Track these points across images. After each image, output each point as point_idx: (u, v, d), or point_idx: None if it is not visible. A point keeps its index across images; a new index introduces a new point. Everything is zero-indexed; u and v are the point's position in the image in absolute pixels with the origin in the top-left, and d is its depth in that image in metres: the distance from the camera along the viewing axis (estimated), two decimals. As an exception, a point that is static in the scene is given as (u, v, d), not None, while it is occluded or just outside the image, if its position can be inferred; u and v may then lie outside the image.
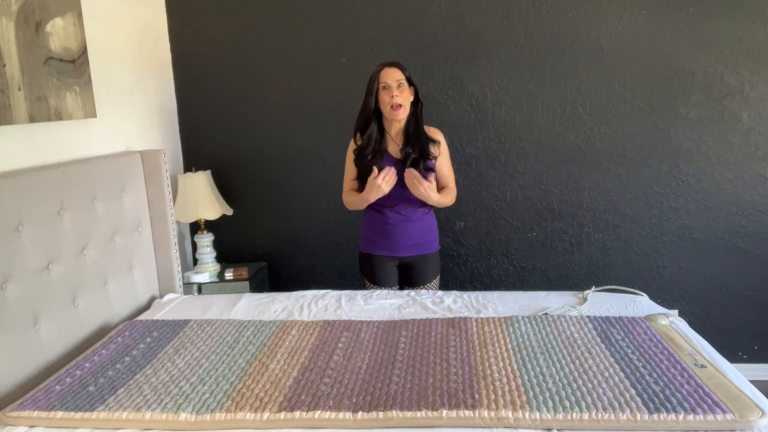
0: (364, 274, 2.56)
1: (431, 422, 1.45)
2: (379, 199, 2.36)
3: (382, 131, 2.40)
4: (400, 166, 2.34)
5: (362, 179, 2.42)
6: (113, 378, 1.71)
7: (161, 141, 2.94)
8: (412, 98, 2.35)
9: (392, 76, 2.29)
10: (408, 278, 2.52)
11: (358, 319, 2.11)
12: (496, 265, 3.13)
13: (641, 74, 2.87)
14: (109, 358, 1.84)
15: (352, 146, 2.45)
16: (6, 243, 1.73)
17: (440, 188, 2.48)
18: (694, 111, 2.88)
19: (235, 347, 1.90)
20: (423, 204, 2.42)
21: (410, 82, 2.34)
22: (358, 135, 2.40)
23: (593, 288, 2.37)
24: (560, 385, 1.56)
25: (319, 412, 1.48)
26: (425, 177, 2.33)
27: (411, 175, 2.27)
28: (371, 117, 2.36)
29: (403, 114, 2.33)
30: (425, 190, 2.29)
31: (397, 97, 2.28)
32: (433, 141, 2.39)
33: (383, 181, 2.26)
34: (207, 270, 2.96)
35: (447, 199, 2.45)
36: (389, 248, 2.45)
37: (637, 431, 1.39)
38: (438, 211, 2.50)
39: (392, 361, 1.75)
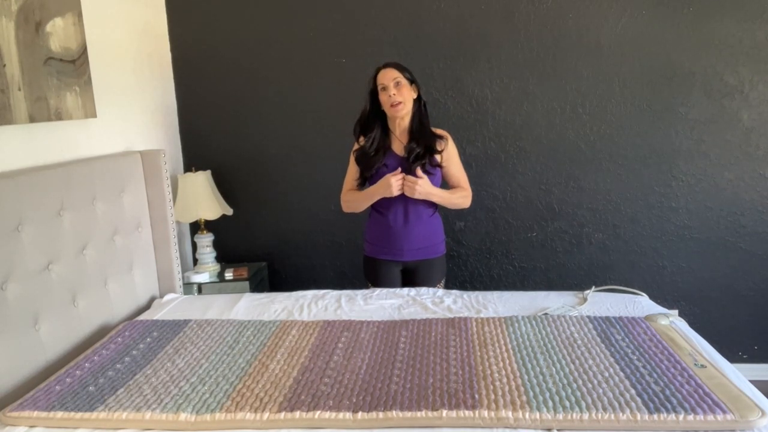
0: (368, 279, 2.55)
1: (431, 422, 1.45)
2: (383, 201, 2.37)
3: (386, 131, 2.41)
4: (405, 164, 2.34)
5: (363, 179, 2.43)
6: (113, 378, 1.71)
7: (161, 141, 2.94)
8: (414, 95, 2.35)
9: (388, 76, 2.29)
10: (412, 283, 2.49)
11: (358, 319, 2.11)
12: (496, 265, 3.13)
13: (641, 74, 2.87)
14: (109, 358, 1.84)
15: (356, 146, 2.45)
16: (6, 243, 1.73)
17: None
18: (694, 111, 2.88)
19: (235, 347, 1.90)
20: (428, 206, 2.41)
21: (411, 81, 2.34)
22: (361, 137, 2.41)
23: (593, 288, 2.37)
24: (560, 385, 1.56)
25: (319, 412, 1.48)
26: (431, 174, 2.33)
27: (402, 179, 2.28)
28: (369, 119, 2.37)
29: (404, 110, 2.32)
30: (422, 186, 2.28)
31: (396, 95, 2.28)
32: (439, 137, 2.39)
33: (396, 184, 2.27)
34: (207, 270, 2.96)
35: (455, 195, 2.43)
36: (393, 252, 2.44)
37: (637, 431, 1.39)
38: (439, 211, 2.50)
39: (392, 361, 1.75)
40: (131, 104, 2.68)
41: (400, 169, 2.31)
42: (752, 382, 1.61)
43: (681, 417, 1.39)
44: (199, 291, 2.91)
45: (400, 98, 2.29)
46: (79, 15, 2.21)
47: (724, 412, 1.40)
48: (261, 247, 3.22)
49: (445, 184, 2.47)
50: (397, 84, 2.29)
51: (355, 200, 2.46)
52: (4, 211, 1.73)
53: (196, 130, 3.14)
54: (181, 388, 1.63)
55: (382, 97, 2.32)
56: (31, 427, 1.52)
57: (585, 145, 2.96)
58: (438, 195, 2.37)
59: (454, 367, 1.69)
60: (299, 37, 3.00)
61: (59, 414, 1.53)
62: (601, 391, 1.52)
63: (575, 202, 3.02)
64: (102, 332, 2.14)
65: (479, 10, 2.89)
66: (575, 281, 3.09)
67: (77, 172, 2.09)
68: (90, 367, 1.78)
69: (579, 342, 1.83)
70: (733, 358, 2.62)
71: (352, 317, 2.16)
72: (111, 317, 2.23)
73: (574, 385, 1.55)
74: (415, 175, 2.29)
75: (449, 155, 2.42)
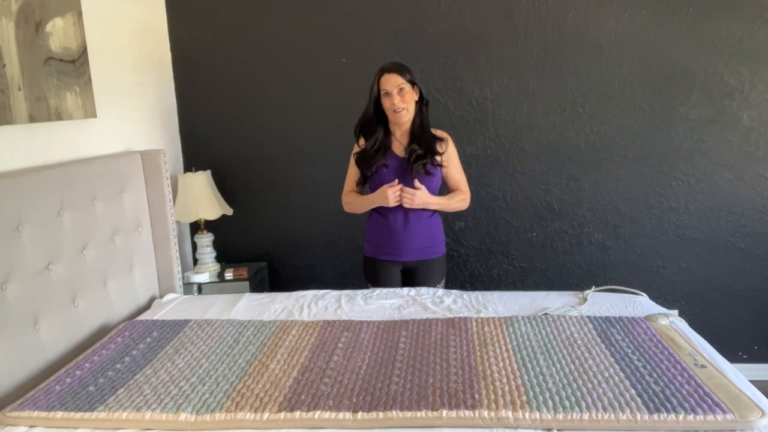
0: (368, 279, 2.55)
1: (431, 422, 1.45)
2: None
3: (387, 132, 2.41)
4: (406, 164, 2.35)
5: (364, 180, 2.43)
6: (113, 378, 1.71)
7: (161, 141, 2.94)
8: (416, 97, 2.35)
9: (392, 83, 2.29)
10: (412, 283, 2.49)
11: (358, 319, 2.11)
12: (496, 265, 3.13)
13: (641, 74, 2.87)
14: (109, 358, 1.84)
15: (356, 149, 2.45)
16: (6, 243, 1.73)
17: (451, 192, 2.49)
18: (694, 111, 2.88)
19: (235, 347, 1.90)
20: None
21: (413, 83, 2.33)
22: (361, 138, 2.41)
23: (593, 288, 2.37)
24: (560, 385, 1.56)
25: (319, 412, 1.48)
26: (431, 174, 2.34)
27: (400, 191, 2.29)
28: (370, 121, 2.37)
29: (407, 116, 2.33)
30: (420, 197, 2.30)
31: (399, 102, 2.29)
32: (440, 139, 2.39)
33: (393, 196, 2.28)
34: (207, 270, 2.96)
35: (453, 200, 2.44)
36: (393, 253, 2.44)
37: (637, 431, 1.39)
38: (439, 212, 2.50)
39: (392, 361, 1.75)
40: (131, 104, 2.68)
41: (397, 180, 2.32)
42: (752, 382, 1.61)
43: (681, 417, 1.39)
44: (199, 291, 2.91)
45: (403, 105, 2.30)
46: (79, 15, 2.21)
47: (724, 412, 1.40)
48: (261, 247, 3.22)
49: (444, 186, 2.48)
50: (401, 90, 2.29)
51: (353, 203, 2.48)
52: (4, 211, 1.73)
53: (196, 130, 3.14)
54: (181, 388, 1.63)
55: (385, 103, 2.32)
56: (31, 427, 1.52)
57: (585, 145, 2.96)
58: (436, 203, 2.38)
59: (454, 367, 1.69)
60: (299, 37, 3.00)
61: (59, 414, 1.53)
62: (601, 391, 1.52)
63: (575, 202, 3.02)
64: (102, 332, 2.14)
65: (479, 10, 2.90)
66: (575, 281, 3.09)
67: (77, 172, 2.09)
68: (90, 367, 1.78)
69: (579, 342, 1.83)
70: (733, 358, 2.62)
71: (352, 317, 2.16)
72: (111, 317, 2.23)
73: (574, 385, 1.55)
74: (412, 184, 2.31)
75: (449, 157, 2.42)
